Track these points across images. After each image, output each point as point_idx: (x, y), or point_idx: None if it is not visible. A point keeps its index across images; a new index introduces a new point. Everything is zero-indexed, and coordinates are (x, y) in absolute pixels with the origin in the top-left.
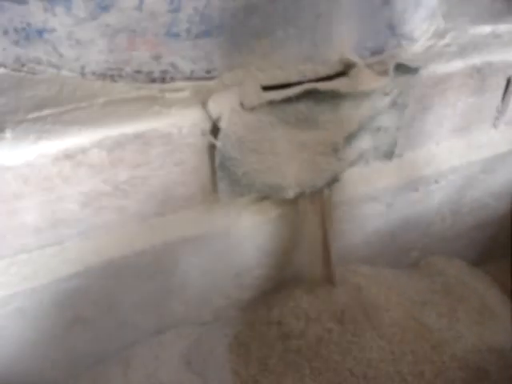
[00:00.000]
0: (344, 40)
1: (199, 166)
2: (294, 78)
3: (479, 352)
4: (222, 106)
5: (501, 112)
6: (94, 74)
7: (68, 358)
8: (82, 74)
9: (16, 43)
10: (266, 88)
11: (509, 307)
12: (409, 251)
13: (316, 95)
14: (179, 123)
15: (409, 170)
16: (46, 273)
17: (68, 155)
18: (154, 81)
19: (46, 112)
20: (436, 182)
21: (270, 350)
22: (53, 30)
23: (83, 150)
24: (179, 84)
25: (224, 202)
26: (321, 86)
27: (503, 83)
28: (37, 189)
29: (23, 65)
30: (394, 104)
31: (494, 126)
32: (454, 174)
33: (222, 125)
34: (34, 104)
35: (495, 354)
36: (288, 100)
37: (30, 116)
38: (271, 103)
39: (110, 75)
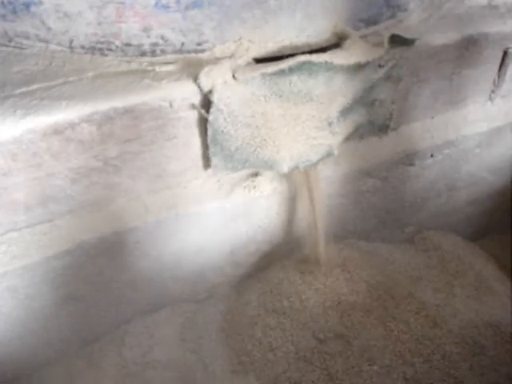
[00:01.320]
0: (338, 11)
1: (191, 140)
2: (286, 51)
3: (476, 327)
4: (214, 78)
5: (497, 85)
6: (82, 47)
7: (61, 337)
8: (71, 48)
9: (3, 17)
10: (259, 61)
11: (505, 282)
12: (404, 227)
13: (309, 67)
14: (170, 97)
15: (404, 145)
16: (37, 251)
17: (57, 130)
18: (143, 54)
19: (34, 87)
20: (432, 156)
21: (264, 325)
22: (40, 3)
23: (72, 125)
24: (170, 57)
25: (217, 178)
26: (314, 57)
27: (499, 55)
28: (25, 165)
29: (11, 39)
30: (388, 76)
31: (490, 99)
32: (450, 148)
33: (214, 98)
34: (22, 79)
35: (491, 329)
36: (281, 72)
37: (18, 91)
38: (264, 76)
39: (98, 49)
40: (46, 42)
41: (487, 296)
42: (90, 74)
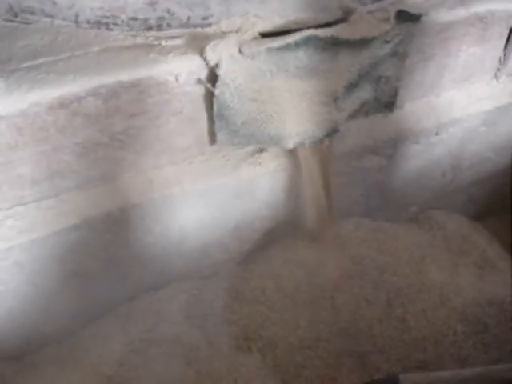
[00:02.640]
0: None
1: (197, 115)
2: (292, 26)
3: (479, 305)
4: (220, 53)
5: (503, 63)
6: (88, 22)
7: (67, 313)
8: (77, 23)
9: None
10: (265, 35)
11: (509, 261)
12: (408, 206)
13: (316, 42)
14: (176, 71)
15: (409, 123)
16: (43, 226)
17: (63, 104)
18: (149, 28)
19: (39, 61)
20: (437, 134)
21: (269, 301)
22: None
23: (78, 99)
24: (176, 31)
25: (222, 154)
26: (320, 32)
27: (506, 33)
28: (32, 139)
29: (16, 14)
30: (394, 53)
31: (496, 77)
32: (455, 126)
33: (220, 72)
34: (28, 53)
35: (495, 307)
36: (287, 47)
37: (24, 65)
38: (270, 51)
39: (104, 23)
40: (52, 16)
41: (491, 275)
42: (96, 48)
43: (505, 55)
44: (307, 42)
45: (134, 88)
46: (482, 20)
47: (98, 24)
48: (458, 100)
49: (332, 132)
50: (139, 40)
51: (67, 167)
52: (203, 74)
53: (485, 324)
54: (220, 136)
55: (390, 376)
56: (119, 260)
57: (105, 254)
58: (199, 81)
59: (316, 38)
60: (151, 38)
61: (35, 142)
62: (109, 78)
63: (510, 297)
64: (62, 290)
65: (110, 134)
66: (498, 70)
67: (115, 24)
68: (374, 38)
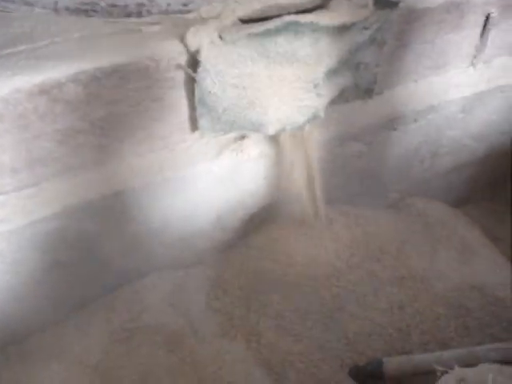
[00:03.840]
0: None
1: (178, 102)
2: (272, 12)
3: (460, 290)
4: (201, 38)
5: (479, 50)
6: (67, 9)
7: (49, 303)
8: (56, 11)
9: None
10: (245, 21)
11: (488, 246)
12: (388, 192)
13: (295, 28)
14: (157, 57)
15: (388, 109)
16: (24, 215)
17: (43, 90)
18: (129, 15)
19: (20, 48)
20: (415, 121)
21: (250, 289)
22: None
23: (59, 85)
24: (156, 17)
25: (204, 141)
26: (300, 18)
27: (481, 20)
28: (12, 126)
29: None
30: (373, 40)
31: (473, 64)
32: (433, 113)
33: (201, 58)
34: (8, 40)
35: (476, 291)
36: (267, 33)
37: (4, 52)
38: (250, 36)
39: (84, 10)
40: (31, 5)
41: (471, 260)
42: (76, 35)
43: (481, 42)
44: (287, 27)
45: (114, 74)
46: (458, 7)
47: (77, 11)
48: (435, 87)
49: (313, 118)
50: (119, 26)
51: (48, 155)
52: (184, 59)
53: (466, 308)
54: (202, 122)
55: (375, 360)
56: (101, 249)
57: (86, 243)
58: (180, 66)
59: (296, 23)
60: (131, 25)
61: (15, 130)
62: (89, 64)
63: (490, 281)
64: (44, 279)
65: (91, 121)
66: (475, 57)
67: (94, 11)
68: (353, 25)
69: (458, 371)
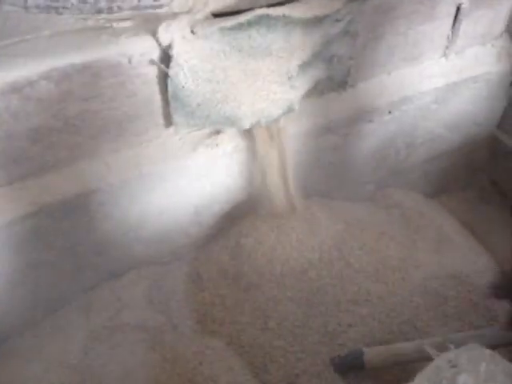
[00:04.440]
0: None
1: (151, 98)
2: (244, 5)
3: (438, 278)
4: (173, 33)
5: (451, 41)
6: (37, 7)
7: (27, 305)
8: (26, 8)
9: None
10: (217, 15)
11: (465, 236)
12: (365, 184)
13: (268, 21)
14: (129, 52)
15: (363, 101)
16: None
17: (15, 88)
18: (100, 11)
19: None
20: (389, 112)
21: (227, 286)
22: None
23: (30, 83)
24: (127, 13)
25: (179, 137)
26: (272, 11)
27: (453, 11)
28: None
29: None
30: (346, 32)
31: (445, 55)
32: (407, 104)
33: (173, 53)
34: None
35: (454, 280)
36: (239, 27)
37: None
38: (223, 30)
39: (54, 7)
40: (0, 2)
41: (448, 249)
42: (46, 32)
43: (453, 33)
44: (259, 21)
45: (86, 70)
46: None
47: (47, 8)
48: (409, 78)
49: (287, 111)
50: (90, 23)
51: (21, 153)
52: (156, 54)
53: (444, 297)
54: (176, 118)
55: (355, 350)
56: (78, 248)
57: (63, 242)
58: (152, 62)
59: (268, 16)
60: (102, 21)
61: None
62: (60, 61)
63: (467, 270)
64: (20, 280)
65: (64, 119)
66: (447, 47)
67: (65, 8)
68: (325, 17)
69: (450, 355)
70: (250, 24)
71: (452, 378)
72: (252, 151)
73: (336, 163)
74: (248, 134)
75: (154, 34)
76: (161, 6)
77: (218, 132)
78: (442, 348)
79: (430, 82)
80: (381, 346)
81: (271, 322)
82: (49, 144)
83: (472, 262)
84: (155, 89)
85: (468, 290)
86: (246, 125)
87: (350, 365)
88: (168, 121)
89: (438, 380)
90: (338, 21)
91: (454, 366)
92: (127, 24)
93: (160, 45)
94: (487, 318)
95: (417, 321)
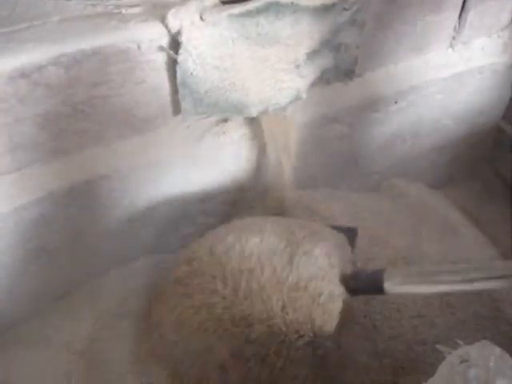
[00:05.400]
0: None
1: (160, 85)
2: None
3: None
4: (182, 19)
5: (458, 31)
6: None
7: (34, 292)
8: None
9: None
10: (226, 2)
11: (469, 226)
12: (371, 175)
13: (276, 8)
14: (138, 38)
15: (369, 91)
16: (6, 201)
17: (23, 74)
18: None
19: None
20: (396, 102)
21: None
22: None
23: (39, 68)
24: (136, 0)
25: (187, 124)
26: None
27: (460, 1)
28: None
29: None
30: (353, 21)
31: (452, 45)
32: (413, 94)
33: (183, 39)
34: None
35: None
36: (248, 14)
37: None
38: (231, 17)
39: None
40: None
41: (452, 239)
42: (55, 18)
43: (460, 23)
44: (268, 8)
45: (95, 56)
46: None
47: None
48: (416, 68)
49: (295, 99)
50: (99, 9)
51: (29, 139)
52: (165, 41)
53: None
54: (184, 105)
55: (375, 270)
56: (86, 235)
57: (70, 228)
58: (161, 48)
59: (276, 4)
60: (111, 7)
61: None
62: (70, 47)
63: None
64: (27, 267)
65: (73, 105)
66: (454, 38)
67: None
68: (333, 5)
69: (462, 351)
70: (258, 11)
71: (463, 372)
72: (259, 140)
73: (342, 153)
74: (255, 122)
75: (163, 20)
76: None
77: (225, 120)
78: (453, 346)
79: (437, 72)
80: (405, 268)
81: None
82: (57, 130)
83: (476, 253)
84: (164, 75)
85: None
86: (254, 113)
87: (365, 287)
88: (176, 108)
89: (450, 375)
90: (345, 9)
91: (464, 361)
92: (136, 10)
93: (169, 31)
94: (491, 308)
95: (423, 309)
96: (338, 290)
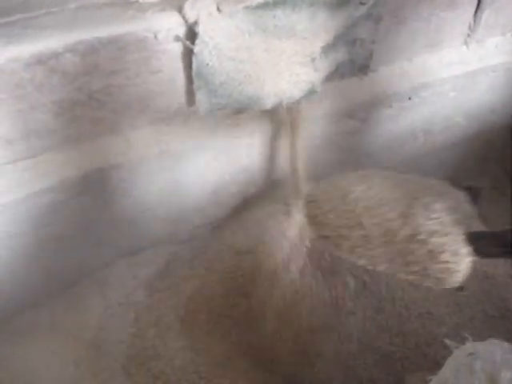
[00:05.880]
0: None
1: (176, 75)
2: None
3: None
4: (199, 10)
5: (472, 29)
6: None
7: (43, 279)
8: None
9: None
10: None
11: (478, 225)
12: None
13: (293, 2)
14: (155, 28)
15: (383, 86)
16: (19, 187)
17: (40, 60)
18: None
19: (15, 17)
20: (409, 98)
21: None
22: None
23: (56, 55)
24: None
25: (201, 115)
26: None
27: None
28: (8, 96)
29: None
30: (369, 15)
31: (466, 43)
32: (426, 90)
33: (199, 30)
34: (3, 10)
35: None
36: (265, 6)
37: None
38: (248, 9)
39: None
40: None
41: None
42: (73, 5)
43: (474, 22)
44: (285, 1)
45: (112, 44)
46: None
47: None
48: (429, 65)
49: (309, 93)
50: None
51: (44, 126)
52: (182, 31)
53: None
54: (199, 95)
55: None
56: (96, 224)
57: (82, 217)
58: (178, 38)
59: None
60: None
61: (12, 100)
62: (87, 34)
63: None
64: (38, 254)
65: (88, 93)
66: (468, 36)
67: None
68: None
69: (469, 346)
70: (275, 4)
71: (469, 364)
72: (272, 132)
73: (354, 148)
74: (269, 115)
75: (180, 10)
76: None
77: (239, 112)
78: (461, 341)
79: (450, 69)
80: None
81: None
82: (72, 118)
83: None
84: (179, 66)
85: (480, 278)
86: (268, 105)
87: (492, 248)
88: (191, 99)
89: (457, 367)
90: (362, 4)
91: (471, 354)
92: (153, 0)
93: (186, 21)
94: (499, 307)
95: (432, 307)
96: (464, 250)
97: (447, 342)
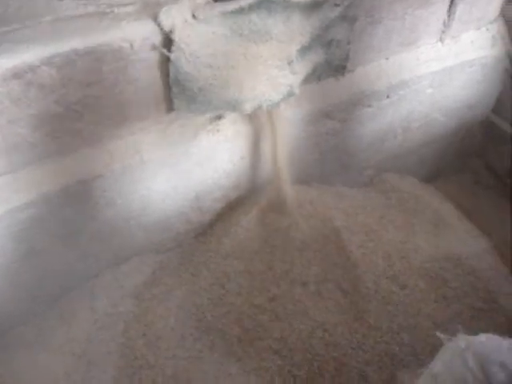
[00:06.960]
0: None
1: (153, 83)
2: None
3: (437, 261)
4: (174, 17)
5: (447, 25)
6: None
7: (29, 294)
8: None
9: None
10: (218, 0)
11: (461, 219)
12: (363, 170)
13: (268, 5)
14: (130, 37)
15: (361, 86)
16: (0, 203)
17: (16, 74)
18: None
19: None
20: (387, 97)
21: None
22: None
23: (32, 69)
24: None
25: (180, 122)
26: None
27: None
28: None
29: None
30: (344, 16)
31: (441, 39)
32: (404, 88)
33: (175, 37)
34: None
35: (452, 262)
36: (240, 11)
37: None
38: (224, 15)
39: None
40: None
41: (445, 232)
42: (48, 18)
43: (449, 17)
44: (260, 5)
45: (88, 56)
46: None
47: None
48: (406, 62)
49: (288, 95)
50: (91, 8)
51: (23, 141)
52: (158, 39)
53: (444, 279)
54: (177, 103)
55: None
56: (80, 235)
57: (65, 229)
58: (154, 46)
59: (268, 0)
60: (103, 6)
61: None
62: (63, 46)
63: (465, 252)
64: (21, 269)
65: (66, 105)
66: (443, 32)
67: None
68: (324, 1)
69: (461, 339)
70: (250, 8)
71: (462, 357)
72: (254, 137)
73: (334, 148)
74: (249, 119)
75: (155, 18)
76: None
77: (219, 117)
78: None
79: (427, 66)
80: None
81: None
82: (50, 130)
83: (469, 245)
84: (157, 74)
85: (466, 272)
86: (248, 109)
87: None
88: (169, 106)
89: (450, 359)
90: (336, 5)
91: (463, 346)
92: (129, 9)
93: (162, 29)
94: (486, 300)
95: (419, 303)
96: None
97: (439, 334)
